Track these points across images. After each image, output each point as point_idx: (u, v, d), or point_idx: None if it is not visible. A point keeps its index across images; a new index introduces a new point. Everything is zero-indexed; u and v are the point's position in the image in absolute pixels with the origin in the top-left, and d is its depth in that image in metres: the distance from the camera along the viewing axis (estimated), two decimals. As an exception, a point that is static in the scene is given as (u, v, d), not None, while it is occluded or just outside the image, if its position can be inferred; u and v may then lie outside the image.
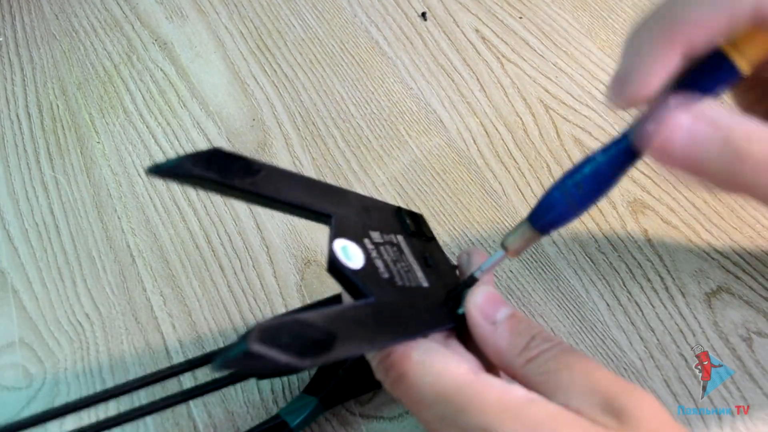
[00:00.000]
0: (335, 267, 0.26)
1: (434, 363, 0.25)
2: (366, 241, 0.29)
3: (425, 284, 0.30)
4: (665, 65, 0.24)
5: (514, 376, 0.26)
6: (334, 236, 0.28)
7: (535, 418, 0.23)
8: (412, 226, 0.33)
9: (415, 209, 0.45)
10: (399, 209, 0.34)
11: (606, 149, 0.27)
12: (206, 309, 0.43)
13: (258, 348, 0.19)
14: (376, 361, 0.27)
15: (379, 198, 0.45)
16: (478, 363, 0.26)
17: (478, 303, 0.28)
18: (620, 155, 0.27)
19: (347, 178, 0.47)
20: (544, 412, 0.23)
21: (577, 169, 0.27)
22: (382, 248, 0.30)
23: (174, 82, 0.54)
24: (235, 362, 0.19)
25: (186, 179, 0.25)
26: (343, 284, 0.27)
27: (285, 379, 0.40)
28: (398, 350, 0.26)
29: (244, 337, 0.19)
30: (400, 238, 0.32)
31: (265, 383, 0.40)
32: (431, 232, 0.35)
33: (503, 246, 0.29)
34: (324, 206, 0.29)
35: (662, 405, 0.24)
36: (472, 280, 0.30)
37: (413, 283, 0.29)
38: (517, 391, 0.24)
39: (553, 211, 0.28)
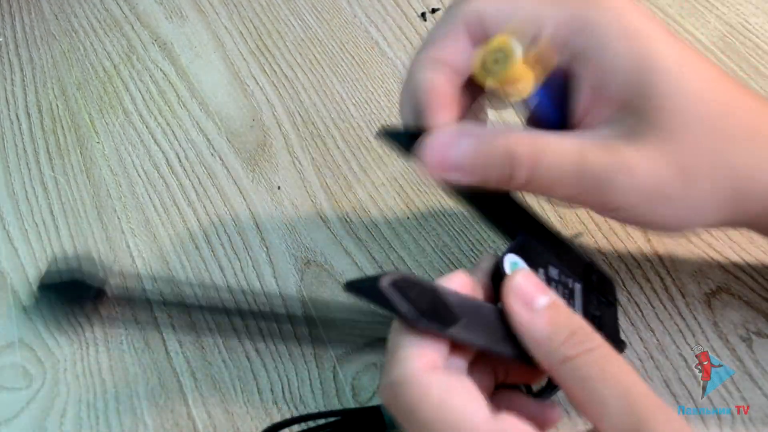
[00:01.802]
0: (497, 271, 0.27)
1: (455, 407, 0.24)
2: (540, 270, 0.28)
3: None
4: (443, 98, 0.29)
5: (549, 371, 0.25)
6: (509, 249, 0.28)
7: None
8: (596, 284, 0.32)
9: (414, 209, 0.45)
10: (592, 264, 0.33)
11: None
12: (206, 309, 0.43)
13: (386, 288, 0.22)
14: (386, 383, 0.25)
15: (380, 198, 0.45)
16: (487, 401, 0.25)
17: (516, 286, 0.26)
18: None
19: (347, 179, 0.47)
20: None
21: None
22: (553, 285, 0.29)
23: (174, 83, 0.54)
24: (363, 291, 0.23)
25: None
26: (495, 287, 0.27)
27: (285, 380, 0.40)
28: (415, 382, 0.24)
29: (380, 275, 0.22)
30: (578, 286, 0.30)
31: (265, 384, 0.40)
32: (615, 299, 0.34)
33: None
34: (519, 228, 0.29)
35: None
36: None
37: None
38: None
39: None
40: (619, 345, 0.33)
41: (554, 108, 0.29)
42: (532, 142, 0.27)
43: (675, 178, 0.26)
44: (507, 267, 0.27)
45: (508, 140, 0.27)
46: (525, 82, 0.27)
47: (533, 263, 0.28)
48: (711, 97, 0.26)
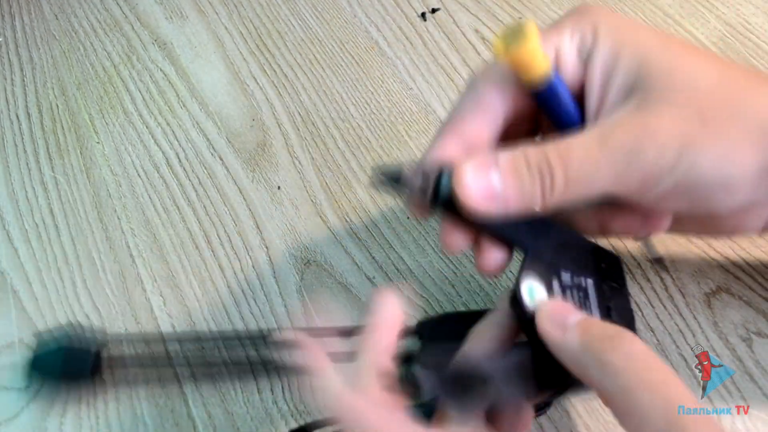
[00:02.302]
0: (517, 305, 0.27)
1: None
2: (554, 283, 0.29)
3: None
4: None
5: (591, 384, 0.25)
6: (524, 275, 0.28)
7: None
8: (605, 271, 0.33)
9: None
10: (597, 248, 0.33)
11: None
12: (206, 309, 0.43)
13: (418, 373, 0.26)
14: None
15: (380, 198, 0.45)
16: None
17: (547, 310, 0.27)
18: None
19: (347, 178, 0.47)
20: None
21: None
22: (568, 292, 0.29)
23: (174, 83, 0.54)
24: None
25: None
26: (521, 324, 0.28)
27: (286, 381, 0.40)
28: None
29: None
30: (589, 282, 0.31)
31: (265, 384, 0.40)
32: (624, 279, 0.35)
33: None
34: (522, 238, 0.30)
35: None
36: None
37: None
38: None
39: None
40: (631, 324, 0.34)
41: (569, 104, 0.30)
42: (555, 145, 0.27)
43: (699, 128, 0.26)
44: (525, 294, 0.28)
45: (537, 149, 0.27)
46: (538, 66, 0.28)
47: (546, 277, 0.29)
48: (710, 66, 0.28)
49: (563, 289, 0.29)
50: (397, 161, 0.48)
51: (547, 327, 0.26)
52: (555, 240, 0.31)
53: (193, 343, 0.40)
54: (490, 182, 0.27)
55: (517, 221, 0.29)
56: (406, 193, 0.28)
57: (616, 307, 0.32)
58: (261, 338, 0.38)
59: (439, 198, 0.28)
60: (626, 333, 0.25)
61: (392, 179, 0.28)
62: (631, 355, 0.24)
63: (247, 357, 0.38)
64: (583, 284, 0.31)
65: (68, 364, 0.35)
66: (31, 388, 0.40)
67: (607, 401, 0.25)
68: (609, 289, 0.32)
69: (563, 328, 0.26)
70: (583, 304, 0.30)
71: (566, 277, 0.30)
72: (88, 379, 0.36)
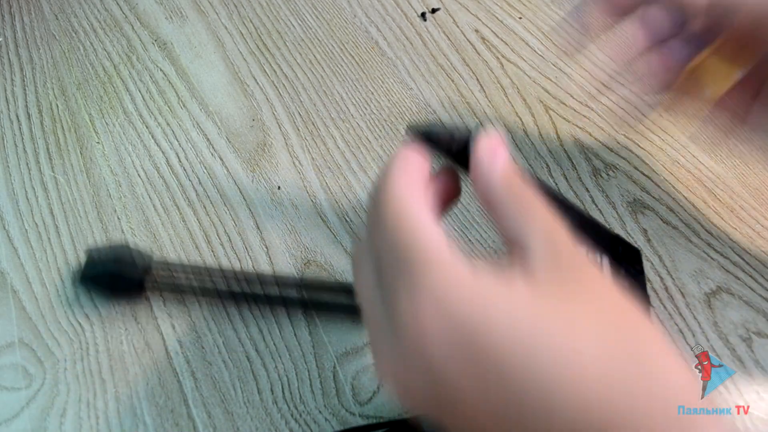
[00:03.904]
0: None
1: (420, 220, 0.25)
2: None
3: None
4: None
5: (487, 199, 0.27)
6: None
7: (483, 278, 0.23)
8: (623, 256, 0.33)
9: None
10: (617, 237, 0.34)
11: None
12: (206, 309, 0.43)
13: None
14: (373, 189, 0.27)
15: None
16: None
17: (488, 138, 0.28)
18: None
19: (347, 179, 0.47)
20: (491, 277, 0.23)
21: None
22: None
23: (174, 83, 0.54)
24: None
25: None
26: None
27: (285, 380, 0.40)
28: (403, 190, 0.26)
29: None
30: (605, 260, 0.32)
31: (265, 384, 0.40)
32: (642, 266, 0.35)
33: None
34: None
35: (610, 280, 0.25)
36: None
37: None
38: (466, 264, 0.24)
39: None
40: (648, 307, 0.34)
41: None
42: None
43: None
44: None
45: None
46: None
47: None
48: None
49: None
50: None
51: (482, 147, 0.27)
52: (574, 220, 0.31)
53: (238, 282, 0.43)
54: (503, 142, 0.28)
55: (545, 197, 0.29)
56: (435, 147, 0.29)
57: (631, 290, 0.32)
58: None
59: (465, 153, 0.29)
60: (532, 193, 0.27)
61: (424, 136, 0.29)
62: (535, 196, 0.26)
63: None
64: (599, 260, 0.31)
65: (117, 278, 0.42)
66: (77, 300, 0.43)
67: (499, 213, 0.26)
68: (626, 271, 0.33)
69: (493, 157, 0.27)
70: None
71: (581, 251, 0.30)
72: (135, 294, 0.42)
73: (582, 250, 0.25)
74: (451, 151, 0.28)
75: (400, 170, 0.27)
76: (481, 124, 0.28)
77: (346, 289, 0.42)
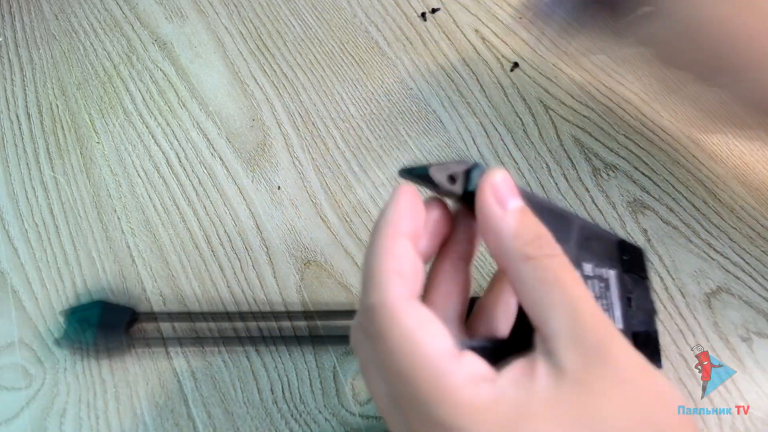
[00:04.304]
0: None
1: (421, 339, 0.24)
2: (577, 273, 0.29)
3: (619, 326, 0.30)
4: None
5: (505, 269, 0.26)
6: None
7: (506, 417, 0.23)
8: (629, 263, 0.33)
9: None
10: (622, 242, 0.34)
11: None
12: (205, 309, 0.43)
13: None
14: (362, 306, 0.25)
15: (380, 198, 0.45)
16: (452, 336, 0.25)
17: (494, 182, 0.26)
18: None
19: (347, 179, 0.47)
20: (511, 409, 0.23)
21: None
22: (589, 282, 0.30)
23: (174, 83, 0.54)
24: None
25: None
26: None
27: (285, 380, 0.40)
28: (391, 307, 0.24)
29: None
30: (611, 273, 0.32)
31: (265, 384, 0.40)
32: (646, 272, 0.35)
33: None
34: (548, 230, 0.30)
35: (638, 354, 0.24)
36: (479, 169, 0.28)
37: None
38: (487, 393, 0.23)
39: None
40: (652, 314, 0.34)
41: None
42: None
43: None
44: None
45: None
46: None
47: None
48: None
49: (585, 279, 0.30)
50: (400, 162, 0.48)
51: (490, 201, 0.26)
52: (579, 234, 0.31)
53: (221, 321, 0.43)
54: (513, 188, 0.27)
55: (541, 214, 0.29)
56: (432, 186, 0.28)
57: (637, 298, 0.32)
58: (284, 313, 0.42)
59: (468, 189, 0.28)
60: (551, 237, 0.26)
61: (418, 176, 0.28)
62: (553, 257, 0.25)
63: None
64: (605, 275, 0.31)
65: (105, 318, 0.41)
66: (66, 339, 0.42)
67: (517, 289, 0.25)
68: (631, 280, 0.33)
69: (504, 207, 0.26)
70: (603, 294, 0.30)
71: (588, 268, 0.30)
72: (121, 335, 0.41)
73: (607, 322, 0.24)
74: (452, 193, 0.27)
75: (396, 272, 0.25)
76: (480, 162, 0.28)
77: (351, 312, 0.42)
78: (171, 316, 0.42)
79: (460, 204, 0.28)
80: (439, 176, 0.26)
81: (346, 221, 0.46)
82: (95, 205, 0.48)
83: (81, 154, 0.51)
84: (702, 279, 0.41)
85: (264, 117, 0.52)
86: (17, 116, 0.53)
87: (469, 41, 0.55)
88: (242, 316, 0.42)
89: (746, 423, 0.37)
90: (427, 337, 0.24)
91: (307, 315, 0.42)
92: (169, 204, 0.48)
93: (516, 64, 0.53)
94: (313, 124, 0.51)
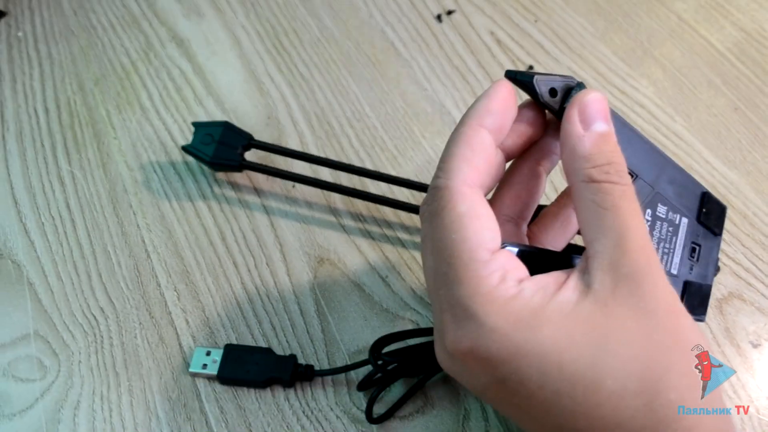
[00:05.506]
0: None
1: (468, 226, 0.25)
2: (648, 212, 0.30)
3: (674, 271, 0.31)
4: None
5: (571, 186, 0.27)
6: None
7: (518, 314, 0.24)
8: (706, 215, 0.33)
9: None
10: (706, 194, 0.34)
11: None
12: (220, 305, 0.43)
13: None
14: (430, 187, 0.27)
15: (394, 196, 0.45)
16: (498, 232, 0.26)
17: (584, 101, 0.27)
18: None
19: (361, 178, 0.48)
20: (526, 309, 0.24)
21: None
22: (658, 224, 0.30)
23: (190, 80, 0.55)
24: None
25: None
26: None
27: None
28: (453, 190, 0.26)
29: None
30: (684, 221, 0.32)
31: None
32: (722, 228, 0.35)
33: None
34: (635, 161, 0.30)
35: (673, 295, 0.25)
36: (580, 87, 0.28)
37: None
38: (509, 289, 0.24)
39: None
40: (712, 267, 0.34)
41: None
42: None
43: None
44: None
45: None
46: None
47: (641, 204, 0.28)
48: None
49: (654, 219, 0.30)
50: (411, 161, 0.48)
51: (574, 116, 0.27)
52: (666, 175, 0.31)
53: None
54: (603, 111, 0.27)
55: (633, 146, 0.29)
56: (533, 95, 0.28)
57: (704, 249, 0.33)
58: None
59: (564, 105, 0.28)
60: (624, 167, 0.26)
61: (522, 83, 0.28)
62: (616, 185, 0.25)
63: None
64: (677, 221, 0.32)
65: (226, 137, 0.46)
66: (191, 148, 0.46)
67: (577, 207, 0.26)
68: (703, 232, 0.33)
69: (586, 126, 0.26)
70: (668, 238, 0.31)
71: (662, 210, 0.31)
72: (237, 155, 0.46)
73: (652, 258, 0.24)
74: (549, 105, 0.28)
75: (467, 160, 0.26)
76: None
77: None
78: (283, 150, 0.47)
79: (556, 117, 0.29)
80: (542, 87, 0.27)
81: (360, 220, 0.46)
82: (111, 200, 0.48)
83: (98, 149, 0.51)
84: (714, 285, 0.42)
85: (279, 115, 0.52)
86: (35, 111, 0.54)
87: (484, 43, 0.55)
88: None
89: (746, 423, 0.37)
90: (474, 225, 0.25)
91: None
92: (184, 200, 0.48)
93: (531, 68, 0.53)
94: (328, 123, 0.51)
